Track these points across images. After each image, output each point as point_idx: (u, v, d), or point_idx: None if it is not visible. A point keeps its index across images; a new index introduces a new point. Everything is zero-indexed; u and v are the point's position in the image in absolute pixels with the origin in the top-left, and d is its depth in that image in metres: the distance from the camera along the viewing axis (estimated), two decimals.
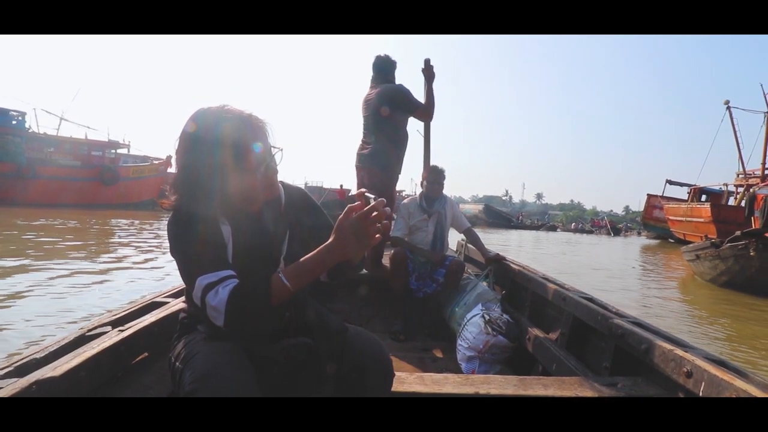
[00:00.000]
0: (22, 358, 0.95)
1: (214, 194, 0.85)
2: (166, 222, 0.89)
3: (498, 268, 2.64)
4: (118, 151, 22.62)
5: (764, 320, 4.73)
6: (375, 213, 0.77)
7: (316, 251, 0.82)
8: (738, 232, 5.86)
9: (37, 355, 0.97)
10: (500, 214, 35.34)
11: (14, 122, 19.79)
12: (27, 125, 20.14)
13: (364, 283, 2.59)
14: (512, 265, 2.51)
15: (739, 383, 0.90)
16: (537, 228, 34.36)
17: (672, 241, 18.72)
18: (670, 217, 18.39)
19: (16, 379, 0.84)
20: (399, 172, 2.89)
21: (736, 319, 4.75)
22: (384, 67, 2.80)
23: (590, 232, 33.57)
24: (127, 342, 1.12)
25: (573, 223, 41.22)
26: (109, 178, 19.78)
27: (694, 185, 19.18)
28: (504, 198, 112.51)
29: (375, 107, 2.71)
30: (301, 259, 0.83)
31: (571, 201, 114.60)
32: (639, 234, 30.03)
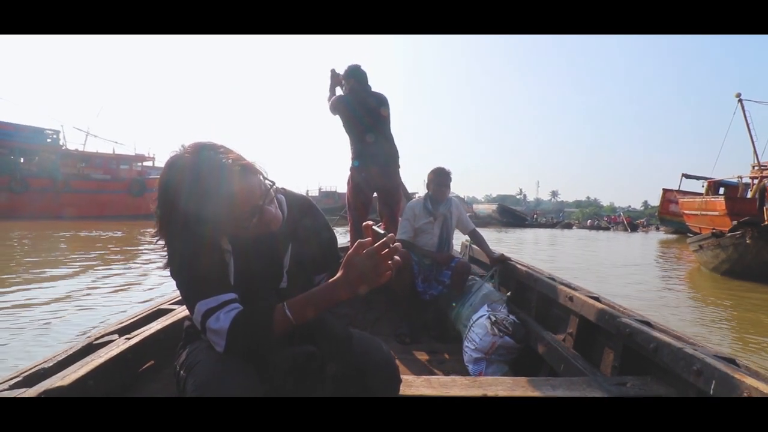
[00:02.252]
0: (31, 368, 0.94)
1: (204, 230, 0.80)
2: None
3: (503, 269, 2.60)
4: (144, 163, 23.60)
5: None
6: (386, 250, 0.74)
7: (323, 286, 0.79)
8: (735, 222, 6.08)
9: (46, 365, 0.96)
10: (514, 213, 34.94)
11: (49, 140, 20.99)
12: (60, 142, 21.30)
13: None
14: (518, 265, 2.46)
15: (750, 381, 0.87)
16: (552, 226, 33.69)
17: (690, 235, 18.36)
18: (686, 211, 18.01)
19: (24, 389, 0.84)
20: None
21: (733, 305, 4.96)
22: (366, 76, 2.90)
23: (606, 228, 32.72)
24: (134, 350, 1.11)
25: (589, 220, 40.51)
26: (138, 189, 20.63)
27: (710, 178, 18.81)
28: (518, 197, 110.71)
29: (375, 108, 2.76)
30: (308, 293, 0.79)
31: (588, 198, 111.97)
32: (657, 229, 29.22)
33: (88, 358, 1.00)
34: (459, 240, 3.34)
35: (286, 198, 0.98)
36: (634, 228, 31.22)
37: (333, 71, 2.97)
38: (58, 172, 19.49)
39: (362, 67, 2.88)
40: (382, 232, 0.77)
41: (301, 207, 1.02)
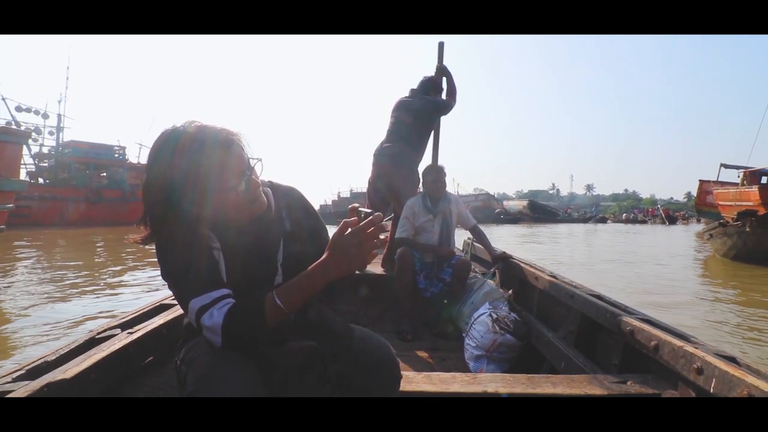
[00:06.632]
0: (34, 361, 0.95)
1: (192, 214, 0.79)
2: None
3: (505, 267, 2.58)
4: None
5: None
6: (371, 228, 0.74)
7: (310, 269, 0.78)
8: (735, 213, 6.47)
9: (49, 358, 0.96)
10: (546, 209, 34.45)
11: (116, 155, 23.45)
12: (126, 157, 23.74)
13: (367, 283, 2.53)
14: (519, 263, 2.43)
15: (751, 379, 0.86)
16: (585, 221, 32.47)
17: None
18: (720, 203, 17.19)
19: (27, 381, 0.84)
20: None
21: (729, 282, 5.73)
22: (423, 84, 3.01)
23: (643, 221, 31.32)
24: (136, 344, 1.12)
25: (624, 214, 39.07)
26: None
27: (750, 168, 17.93)
28: (551, 192, 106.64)
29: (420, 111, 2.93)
30: (295, 278, 0.78)
31: (625, 190, 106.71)
32: (698, 221, 27.95)
33: (90, 352, 1.01)
34: (461, 238, 3.41)
35: (272, 190, 0.97)
36: (672, 220, 29.77)
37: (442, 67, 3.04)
38: (126, 184, 21.78)
39: (428, 77, 2.99)
40: (369, 211, 0.77)
41: (293, 199, 1.01)
